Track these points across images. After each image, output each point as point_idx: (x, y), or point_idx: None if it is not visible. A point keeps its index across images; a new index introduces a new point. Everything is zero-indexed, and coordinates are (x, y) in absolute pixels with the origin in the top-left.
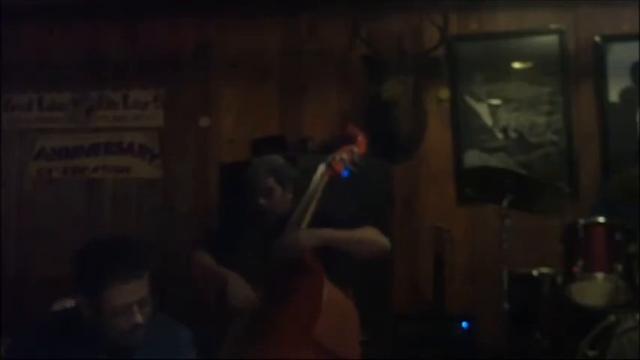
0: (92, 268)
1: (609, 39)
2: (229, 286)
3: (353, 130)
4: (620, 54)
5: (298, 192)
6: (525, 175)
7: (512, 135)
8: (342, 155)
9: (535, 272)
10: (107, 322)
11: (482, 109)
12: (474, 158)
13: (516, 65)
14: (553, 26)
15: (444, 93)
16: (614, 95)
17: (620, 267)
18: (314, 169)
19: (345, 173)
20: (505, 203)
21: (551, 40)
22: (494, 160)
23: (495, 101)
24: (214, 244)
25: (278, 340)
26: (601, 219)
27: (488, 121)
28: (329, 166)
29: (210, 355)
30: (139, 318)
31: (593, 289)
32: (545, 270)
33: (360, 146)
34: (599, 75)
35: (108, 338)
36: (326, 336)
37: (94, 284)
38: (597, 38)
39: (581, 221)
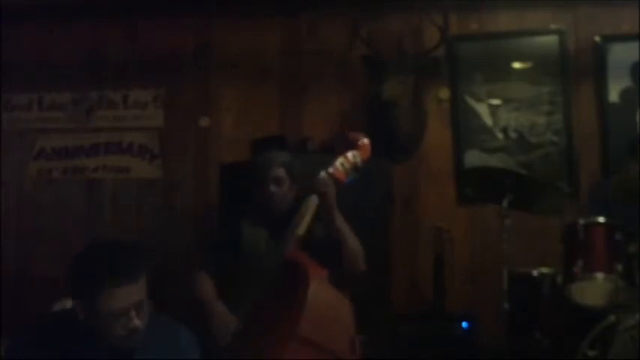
0: (87, 273)
1: (609, 39)
2: (214, 322)
3: (353, 135)
4: (620, 54)
5: (301, 189)
6: (525, 175)
7: (512, 135)
8: (343, 162)
9: (535, 272)
10: (104, 327)
11: (482, 109)
12: (474, 158)
13: (516, 65)
14: (553, 26)
15: (444, 93)
16: (614, 95)
17: (620, 267)
18: (314, 171)
19: (349, 180)
20: (505, 203)
21: (551, 40)
22: (494, 160)
23: (495, 101)
24: (213, 255)
25: (270, 339)
26: (601, 219)
27: (488, 121)
28: (330, 175)
29: (210, 355)
30: (137, 322)
31: (593, 289)
32: (545, 270)
33: (362, 151)
34: (599, 75)
35: (107, 340)
36: (313, 332)
37: (89, 289)
38: (597, 38)
39: (581, 221)
